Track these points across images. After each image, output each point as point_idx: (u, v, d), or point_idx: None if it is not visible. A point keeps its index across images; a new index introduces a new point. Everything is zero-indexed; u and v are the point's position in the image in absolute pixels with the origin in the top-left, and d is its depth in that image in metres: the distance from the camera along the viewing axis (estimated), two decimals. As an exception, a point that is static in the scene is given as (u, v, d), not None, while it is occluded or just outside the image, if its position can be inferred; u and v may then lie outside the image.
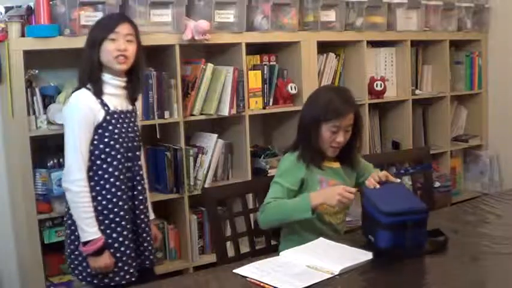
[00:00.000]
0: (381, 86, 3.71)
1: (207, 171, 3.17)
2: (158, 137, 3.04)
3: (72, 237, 2.38)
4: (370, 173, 2.39)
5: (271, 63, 3.42)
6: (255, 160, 3.34)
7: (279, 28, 3.29)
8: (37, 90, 2.78)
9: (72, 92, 2.37)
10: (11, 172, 2.90)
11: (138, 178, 2.44)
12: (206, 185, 3.12)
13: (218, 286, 1.92)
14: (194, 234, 3.16)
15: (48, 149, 2.88)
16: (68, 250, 2.43)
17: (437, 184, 3.88)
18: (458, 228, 2.27)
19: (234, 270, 1.93)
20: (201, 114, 3.12)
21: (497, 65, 4.25)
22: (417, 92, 3.97)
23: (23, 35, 2.68)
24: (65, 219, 2.45)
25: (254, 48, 3.39)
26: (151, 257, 2.48)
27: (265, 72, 3.34)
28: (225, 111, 3.13)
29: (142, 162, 2.50)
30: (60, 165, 2.83)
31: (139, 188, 2.44)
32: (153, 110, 2.98)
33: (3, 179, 2.97)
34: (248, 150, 3.24)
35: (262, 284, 1.81)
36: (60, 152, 2.85)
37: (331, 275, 1.85)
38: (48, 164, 2.82)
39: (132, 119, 2.43)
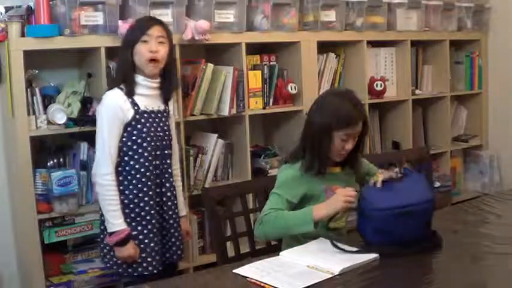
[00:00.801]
0: (381, 86, 3.71)
1: (207, 171, 3.17)
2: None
3: (103, 227, 2.53)
4: (372, 172, 2.38)
5: (271, 63, 3.42)
6: (255, 160, 3.34)
7: (279, 28, 3.29)
8: (37, 90, 2.78)
9: (107, 91, 2.51)
10: (11, 172, 2.90)
11: (166, 176, 2.56)
12: (206, 185, 3.13)
13: (218, 286, 1.92)
14: (194, 234, 3.16)
15: (48, 149, 2.89)
16: (99, 239, 2.60)
17: (437, 184, 3.88)
18: (458, 228, 2.27)
19: (234, 270, 1.92)
20: (201, 114, 3.12)
21: (497, 65, 4.25)
22: (417, 92, 3.97)
23: (23, 35, 2.68)
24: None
25: (254, 48, 3.40)
26: (178, 251, 2.61)
27: (265, 72, 3.34)
28: (225, 111, 3.13)
29: (175, 160, 2.64)
30: (60, 165, 2.84)
31: (167, 185, 2.57)
32: (153, 110, 2.98)
33: (3, 179, 2.97)
34: (248, 150, 3.24)
35: (262, 284, 1.81)
36: (59, 152, 2.87)
37: (331, 275, 1.85)
38: (48, 164, 2.82)
39: (163, 119, 2.55)
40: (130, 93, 2.46)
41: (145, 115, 2.48)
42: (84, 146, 2.87)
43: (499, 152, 4.29)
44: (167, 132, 2.58)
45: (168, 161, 2.58)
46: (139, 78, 2.48)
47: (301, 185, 2.22)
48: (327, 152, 2.22)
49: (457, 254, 2.05)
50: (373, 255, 1.97)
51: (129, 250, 2.44)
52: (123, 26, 2.75)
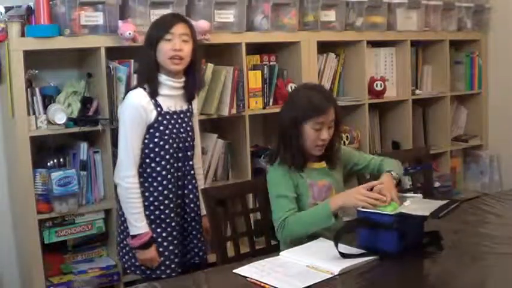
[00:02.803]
0: (381, 86, 3.71)
1: (207, 171, 3.17)
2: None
3: (122, 227, 2.51)
4: (357, 159, 2.42)
5: (271, 63, 3.42)
6: (255, 160, 3.33)
7: (279, 28, 3.29)
8: (37, 90, 2.78)
9: (129, 91, 2.48)
10: (11, 172, 2.91)
11: (189, 177, 2.53)
12: (206, 185, 3.12)
13: (218, 286, 1.92)
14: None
15: (48, 149, 2.89)
16: (118, 239, 2.58)
17: (437, 184, 3.88)
18: (458, 228, 2.27)
19: (234, 270, 1.93)
20: (201, 114, 3.12)
21: (497, 65, 4.25)
22: (417, 92, 3.97)
23: (23, 35, 2.68)
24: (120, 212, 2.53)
25: (254, 48, 3.40)
26: (200, 253, 2.60)
27: (265, 72, 3.34)
28: (225, 111, 3.13)
29: (197, 160, 2.61)
30: (60, 165, 2.84)
31: (189, 187, 2.54)
32: (153, 110, 2.97)
33: (3, 179, 2.97)
34: (248, 150, 3.24)
35: (262, 284, 1.81)
36: (59, 152, 2.87)
37: (331, 275, 1.85)
38: (48, 164, 2.82)
39: (186, 119, 2.52)
40: (153, 94, 2.41)
41: (167, 116, 2.44)
42: (84, 146, 2.87)
43: (499, 152, 4.29)
44: (190, 133, 2.54)
45: (191, 163, 2.54)
46: (162, 78, 2.43)
47: (289, 178, 2.29)
48: (299, 144, 2.28)
49: (457, 254, 2.05)
50: (372, 256, 1.97)
51: (151, 253, 2.43)
52: (123, 26, 2.75)
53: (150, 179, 2.44)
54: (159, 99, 2.43)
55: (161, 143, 2.43)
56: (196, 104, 2.65)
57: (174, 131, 2.46)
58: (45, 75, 2.92)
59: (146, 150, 2.43)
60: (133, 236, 2.41)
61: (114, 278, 2.90)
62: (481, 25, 4.20)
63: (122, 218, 2.48)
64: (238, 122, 3.24)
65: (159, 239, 2.46)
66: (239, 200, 2.58)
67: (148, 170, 2.44)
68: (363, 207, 2.05)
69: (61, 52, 2.90)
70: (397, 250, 1.96)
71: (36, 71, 2.81)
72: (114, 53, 2.88)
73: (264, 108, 3.33)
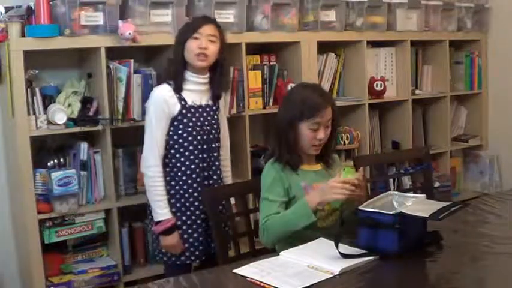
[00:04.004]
0: (381, 86, 3.71)
1: (207, 171, 3.17)
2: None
3: (150, 217, 2.61)
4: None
5: (271, 63, 3.42)
6: (255, 160, 3.33)
7: (279, 28, 3.29)
8: (37, 90, 2.78)
9: (156, 86, 2.64)
10: (11, 172, 2.91)
11: (213, 168, 2.63)
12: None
13: (218, 286, 1.92)
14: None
15: (48, 149, 2.89)
16: (149, 227, 2.74)
17: (437, 184, 3.88)
18: (458, 228, 2.27)
19: (234, 270, 1.93)
20: (201, 114, 3.12)
21: (497, 65, 4.25)
22: (417, 92, 3.97)
23: (23, 35, 2.68)
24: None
25: (254, 48, 3.40)
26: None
27: (265, 72, 3.34)
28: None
29: (224, 152, 2.72)
30: (60, 165, 2.84)
31: (214, 177, 2.64)
32: (153, 110, 2.97)
33: (3, 179, 2.97)
34: (248, 150, 3.24)
35: (262, 284, 1.81)
36: (59, 152, 2.87)
37: (331, 275, 1.85)
38: (48, 164, 2.82)
39: (211, 113, 2.62)
40: (178, 89, 2.54)
41: (192, 110, 2.55)
42: (84, 146, 2.87)
43: (499, 152, 4.29)
44: (215, 126, 2.64)
45: (215, 154, 2.64)
46: (188, 74, 2.55)
47: (283, 179, 2.28)
48: (295, 144, 2.27)
49: (457, 254, 2.05)
50: (373, 256, 1.97)
51: (174, 239, 2.53)
52: (123, 26, 2.75)
53: (175, 169, 2.56)
54: (184, 93, 2.55)
55: (185, 134, 2.54)
56: (223, 102, 2.75)
57: (198, 123, 2.56)
58: (45, 75, 2.92)
59: (171, 142, 2.55)
60: (157, 223, 2.53)
61: (114, 278, 2.90)
62: (481, 25, 4.21)
63: (150, 208, 2.58)
64: (238, 122, 3.24)
65: (184, 226, 2.57)
66: (239, 200, 2.58)
67: (173, 161, 2.56)
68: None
69: (61, 52, 2.90)
70: (398, 250, 1.96)
71: (36, 71, 2.81)
72: (114, 53, 2.88)
73: (264, 108, 3.34)
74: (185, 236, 2.57)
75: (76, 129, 2.80)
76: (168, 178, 2.56)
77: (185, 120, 2.54)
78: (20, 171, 2.70)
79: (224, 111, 2.80)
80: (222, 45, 2.59)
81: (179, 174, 2.56)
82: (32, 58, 2.72)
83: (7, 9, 2.70)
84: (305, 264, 1.93)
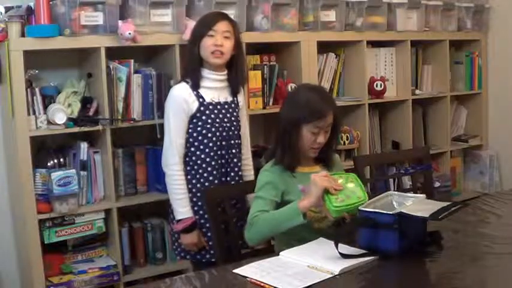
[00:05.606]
0: (380, 86, 3.71)
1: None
2: (158, 136, 3.03)
3: (172, 216, 2.63)
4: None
5: (271, 63, 3.42)
6: (255, 160, 3.32)
7: (279, 28, 3.29)
8: (37, 90, 2.78)
9: (174, 84, 2.65)
10: (11, 172, 2.91)
11: (231, 165, 2.64)
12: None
13: (218, 286, 1.92)
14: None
15: (48, 149, 2.89)
16: (169, 227, 2.75)
17: (437, 184, 3.88)
18: (458, 228, 2.27)
19: (234, 270, 1.93)
20: (201, 114, 3.12)
21: (497, 65, 4.25)
22: (417, 92, 3.97)
23: (23, 35, 2.68)
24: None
25: (254, 48, 3.39)
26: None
27: (265, 72, 3.34)
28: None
29: (245, 151, 2.73)
30: (60, 165, 2.84)
31: (232, 174, 2.64)
32: (153, 110, 2.97)
33: (3, 179, 2.97)
34: (248, 150, 3.24)
35: (262, 284, 1.81)
36: (59, 152, 2.87)
37: (331, 275, 1.85)
38: (48, 164, 2.82)
39: (230, 110, 2.63)
40: (195, 86, 2.55)
41: (210, 107, 2.56)
42: (84, 146, 2.87)
43: (499, 152, 4.29)
44: (234, 123, 2.64)
45: (234, 151, 2.64)
46: (205, 72, 2.56)
47: (280, 182, 2.26)
48: (296, 146, 2.26)
49: (457, 254, 2.05)
50: (373, 256, 1.97)
51: (193, 238, 2.55)
52: (123, 26, 2.75)
53: (195, 167, 2.57)
54: (202, 91, 2.56)
55: (204, 131, 2.55)
56: (242, 97, 2.74)
57: (217, 120, 2.57)
58: (45, 75, 2.92)
59: (190, 139, 2.56)
60: (178, 221, 2.54)
61: (114, 278, 2.91)
62: (481, 25, 4.20)
63: (171, 207, 2.60)
64: (238, 122, 3.23)
65: (208, 224, 2.55)
66: (239, 200, 2.58)
67: (193, 158, 2.56)
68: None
69: (61, 52, 2.90)
70: (398, 250, 1.96)
71: (36, 71, 2.81)
72: (114, 53, 2.88)
73: (264, 108, 3.33)
74: (209, 234, 2.57)
75: (76, 129, 2.80)
76: (189, 177, 2.57)
77: (204, 118, 2.55)
78: (20, 171, 2.70)
79: (244, 109, 2.78)
80: (237, 40, 2.61)
81: (200, 171, 2.56)
82: (32, 58, 2.72)
83: (7, 9, 2.70)
84: (305, 264, 1.93)
